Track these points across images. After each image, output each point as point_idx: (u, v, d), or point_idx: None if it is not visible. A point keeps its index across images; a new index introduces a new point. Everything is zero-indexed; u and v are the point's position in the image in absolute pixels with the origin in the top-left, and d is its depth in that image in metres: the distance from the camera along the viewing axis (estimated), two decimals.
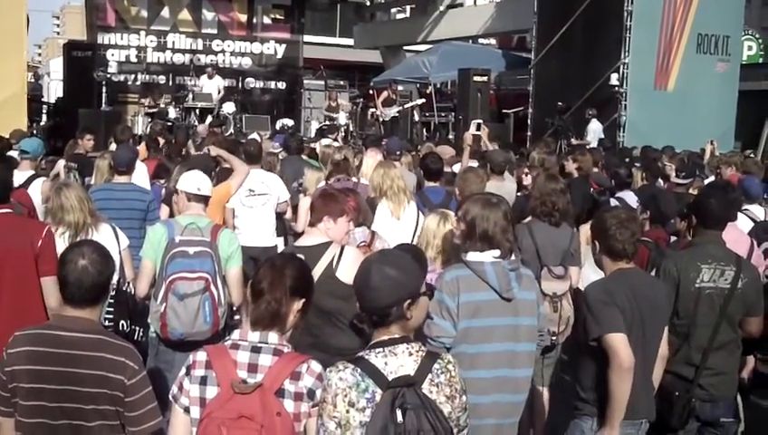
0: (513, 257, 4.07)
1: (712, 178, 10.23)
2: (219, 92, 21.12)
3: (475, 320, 3.93)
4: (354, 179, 8.09)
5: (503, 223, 4.07)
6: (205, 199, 5.56)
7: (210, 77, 21.34)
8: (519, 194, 8.36)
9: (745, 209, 7.48)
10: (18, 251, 4.43)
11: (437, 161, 8.02)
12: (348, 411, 2.86)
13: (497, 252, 4.02)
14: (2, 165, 4.78)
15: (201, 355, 3.07)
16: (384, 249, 3.21)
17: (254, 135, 13.36)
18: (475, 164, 8.81)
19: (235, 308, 5.67)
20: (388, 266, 3.03)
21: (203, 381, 3.02)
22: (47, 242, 4.57)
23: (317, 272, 4.35)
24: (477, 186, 6.54)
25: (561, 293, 5.88)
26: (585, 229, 6.20)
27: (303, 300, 3.18)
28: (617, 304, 4.10)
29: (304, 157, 11.01)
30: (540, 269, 5.94)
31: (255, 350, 3.03)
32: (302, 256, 3.67)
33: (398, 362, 2.93)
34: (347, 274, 4.69)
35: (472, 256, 4.04)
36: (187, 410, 3.06)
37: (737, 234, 5.89)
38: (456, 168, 9.22)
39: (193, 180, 5.54)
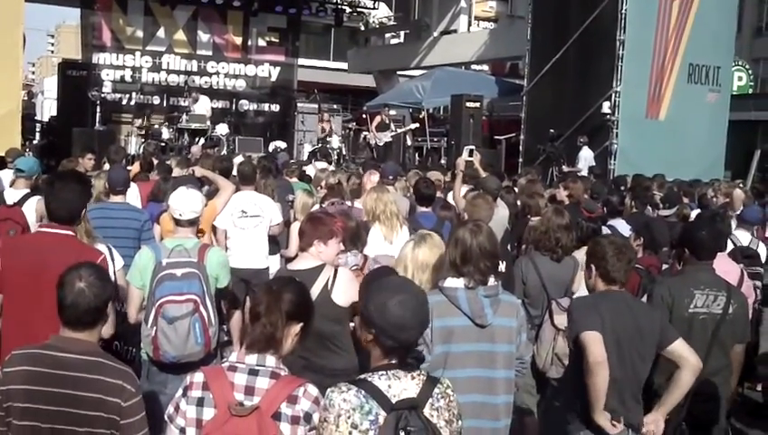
0: (492, 283, 4.08)
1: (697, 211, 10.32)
2: (208, 112, 21.09)
3: (452, 345, 3.96)
4: (348, 203, 8.13)
5: (484, 250, 4.07)
6: (190, 223, 5.48)
7: (195, 101, 21.17)
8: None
9: (731, 234, 7.61)
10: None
11: (430, 187, 8.04)
12: (350, 433, 2.85)
13: (473, 278, 4.03)
14: (72, 186, 4.65)
15: (198, 376, 3.08)
16: (401, 280, 3.20)
17: (240, 157, 13.25)
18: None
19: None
20: (416, 301, 3.07)
21: (200, 403, 3.03)
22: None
23: (312, 295, 4.36)
24: (486, 212, 6.49)
25: None
26: (578, 256, 6.26)
27: (301, 324, 3.20)
28: (599, 310, 4.19)
29: (295, 179, 10.99)
30: (548, 303, 5.98)
31: (253, 372, 3.04)
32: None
33: (402, 385, 2.94)
34: (342, 296, 4.75)
35: (448, 283, 4.08)
36: (182, 431, 3.06)
37: (728, 265, 5.96)
38: (449, 195, 9.25)
39: (179, 205, 5.45)
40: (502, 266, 6.15)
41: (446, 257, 4.25)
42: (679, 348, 4.30)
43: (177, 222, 5.47)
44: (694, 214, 9.57)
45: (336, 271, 4.85)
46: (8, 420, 3.28)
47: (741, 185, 14.15)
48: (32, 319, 4.25)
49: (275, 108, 26.82)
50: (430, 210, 7.84)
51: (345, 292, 4.75)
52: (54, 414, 3.24)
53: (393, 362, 3.00)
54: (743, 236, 7.76)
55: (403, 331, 2.96)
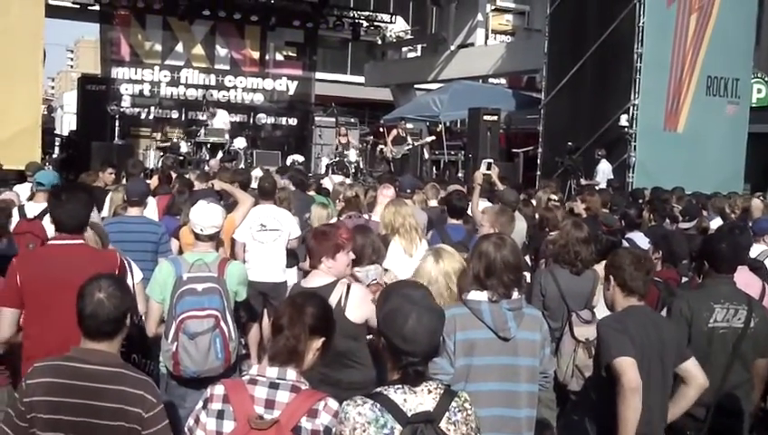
0: (515, 296, 4.05)
1: (718, 219, 10.28)
2: (226, 126, 21.15)
3: (474, 358, 3.94)
4: (366, 216, 8.12)
5: (508, 263, 4.05)
6: (210, 237, 5.50)
7: (213, 116, 21.16)
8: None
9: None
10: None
11: (462, 199, 8.01)
12: None
13: (496, 291, 4.01)
14: (78, 196, 4.74)
15: (219, 389, 3.09)
16: (418, 293, 3.13)
17: (258, 170, 13.33)
18: (486, 203, 8.84)
19: None
20: (429, 316, 3.03)
21: (220, 415, 3.04)
22: (121, 274, 4.49)
23: None
24: (511, 226, 6.49)
25: (594, 338, 5.85)
26: (598, 269, 6.24)
27: (323, 339, 3.20)
28: (628, 332, 4.15)
29: (312, 193, 11.03)
30: (568, 315, 5.95)
31: (273, 386, 3.04)
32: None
33: (418, 399, 2.92)
34: (355, 312, 4.72)
35: (472, 296, 4.06)
36: None
37: (748, 277, 5.90)
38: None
39: (199, 220, 5.45)
40: (529, 277, 6.14)
41: (469, 270, 4.23)
42: (691, 366, 4.32)
43: (197, 236, 5.48)
44: (713, 224, 9.53)
45: (349, 287, 4.82)
46: (32, 431, 3.30)
47: (761, 197, 14.04)
48: (51, 331, 4.27)
49: (293, 121, 26.96)
50: (461, 223, 7.82)
51: (358, 307, 4.71)
52: (77, 425, 3.26)
53: (400, 375, 2.98)
54: (753, 248, 7.69)
55: (407, 342, 2.95)
